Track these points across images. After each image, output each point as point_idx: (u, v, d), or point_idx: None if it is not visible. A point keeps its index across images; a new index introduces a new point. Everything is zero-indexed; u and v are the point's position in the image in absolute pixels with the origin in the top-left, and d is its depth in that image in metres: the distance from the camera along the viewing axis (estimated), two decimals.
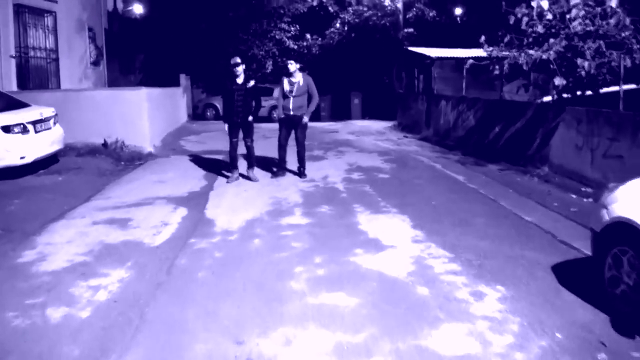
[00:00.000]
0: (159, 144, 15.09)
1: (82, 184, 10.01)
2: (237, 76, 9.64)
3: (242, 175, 10.15)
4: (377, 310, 4.50)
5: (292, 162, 10.48)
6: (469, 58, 16.84)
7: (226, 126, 9.89)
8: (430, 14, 26.62)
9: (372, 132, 18.97)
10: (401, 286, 5.00)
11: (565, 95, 10.17)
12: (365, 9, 27.08)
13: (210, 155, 13.27)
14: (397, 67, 26.28)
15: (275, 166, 11.03)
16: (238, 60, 9.70)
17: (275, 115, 24.53)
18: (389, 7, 26.53)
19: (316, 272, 5.36)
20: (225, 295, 4.86)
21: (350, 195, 8.72)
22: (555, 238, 6.50)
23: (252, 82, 9.82)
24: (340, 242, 6.31)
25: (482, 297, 4.75)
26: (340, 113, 25.90)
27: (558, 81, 9.10)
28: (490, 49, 10.76)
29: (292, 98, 9.91)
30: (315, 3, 27.68)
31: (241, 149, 10.00)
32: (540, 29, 9.32)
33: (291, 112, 9.94)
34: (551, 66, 9.25)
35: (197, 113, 26.31)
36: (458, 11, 29.29)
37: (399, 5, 26.65)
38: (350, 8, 27.62)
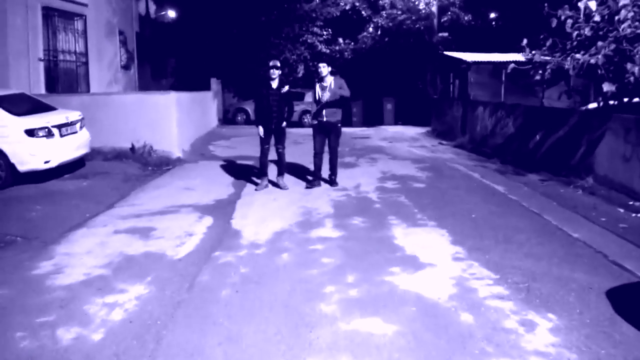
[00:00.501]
0: (188, 148, 14.83)
1: (107, 190, 9.75)
2: (272, 79, 9.31)
3: (271, 182, 9.78)
4: (416, 340, 4.05)
5: (322, 170, 10.06)
6: (507, 62, 16.29)
7: (260, 129, 9.51)
8: (466, 18, 26.07)
9: (405, 139, 18.48)
10: (443, 312, 4.54)
11: (611, 102, 9.59)
12: (399, 12, 26.63)
13: (240, 161, 12.94)
14: (431, 72, 25.76)
15: (307, 174, 10.65)
16: (277, 63, 9.42)
17: (306, 121, 24.45)
18: (423, 11, 26.05)
19: (348, 292, 4.93)
20: (249, 318, 4.46)
21: (385, 206, 8.27)
22: (606, 258, 5.97)
23: (286, 87, 9.47)
24: (375, 258, 5.87)
25: (532, 327, 4.27)
26: (373, 118, 25.45)
27: (607, 87, 8.52)
28: (533, 52, 10.20)
29: (324, 103, 9.51)
30: (348, 7, 27.31)
31: (271, 155, 9.63)
32: (587, 31, 8.74)
33: (324, 119, 9.52)
34: (599, 71, 8.69)
35: (227, 117, 26.12)
36: (492, 15, 28.70)
37: (434, 9, 26.17)
38: (383, 12, 27.18)
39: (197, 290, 5.06)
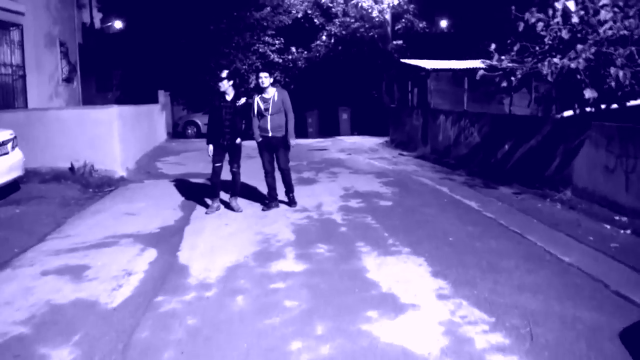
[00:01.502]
0: (133, 166, 13.76)
1: (41, 217, 8.64)
2: (225, 92, 8.40)
3: (223, 202, 8.86)
4: None
5: (278, 188, 9.17)
6: (468, 70, 15.76)
7: (210, 148, 8.60)
8: (420, 25, 25.54)
9: (364, 150, 17.75)
10: None
11: (588, 109, 8.99)
12: (352, 20, 25.98)
13: (189, 179, 11.96)
14: (387, 81, 25.19)
15: (263, 193, 9.78)
16: (223, 74, 8.48)
17: None
18: (377, 19, 25.43)
19: (319, 350, 4.03)
20: None
21: (351, 230, 7.43)
22: (607, 288, 5.23)
23: (242, 100, 8.57)
24: (347, 299, 4.98)
25: None
26: (328, 129, 24.71)
27: (589, 94, 7.86)
28: (502, 58, 9.53)
29: (269, 117, 8.57)
30: (300, 15, 26.52)
31: (225, 174, 8.72)
32: (564, 34, 8.09)
33: (270, 134, 8.62)
34: (578, 76, 8.04)
35: (177, 131, 25.05)
36: (444, 23, 28.36)
37: (388, 16, 25.61)
38: (336, 20, 26.48)
39: (135, 352, 4.10)
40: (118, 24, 29.51)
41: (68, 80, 19.48)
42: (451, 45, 23.71)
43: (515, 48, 9.72)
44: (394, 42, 25.59)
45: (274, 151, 8.77)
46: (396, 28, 25.90)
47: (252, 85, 25.85)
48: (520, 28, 9.33)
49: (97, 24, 31.13)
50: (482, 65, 17.70)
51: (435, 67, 16.35)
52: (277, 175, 8.84)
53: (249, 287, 5.37)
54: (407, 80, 18.21)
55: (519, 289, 5.16)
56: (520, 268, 5.76)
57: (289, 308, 4.82)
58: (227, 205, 8.84)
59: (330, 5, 26.42)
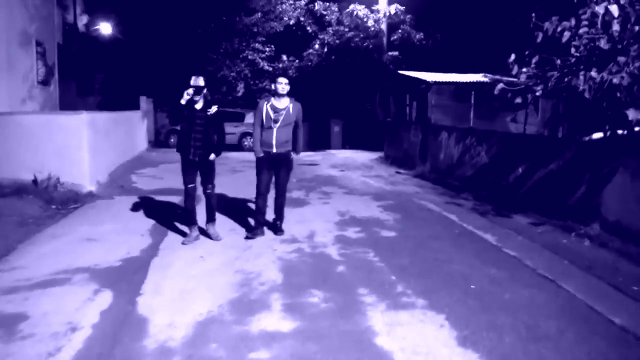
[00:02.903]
0: (106, 179, 12.47)
1: None
2: (194, 101, 7.18)
3: (200, 228, 7.63)
4: None
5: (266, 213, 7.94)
6: (474, 83, 14.67)
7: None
8: (417, 37, 24.47)
9: (357, 166, 16.55)
10: None
11: (620, 132, 7.86)
12: (346, 29, 24.91)
13: (165, 197, 10.70)
14: (381, 93, 24.10)
15: (246, 215, 8.59)
16: (200, 81, 7.14)
17: (246, 144, 22.29)
18: (372, 29, 24.36)
19: None
20: None
21: (351, 269, 6.19)
22: None
23: (214, 108, 7.31)
24: None
25: None
26: (319, 142, 23.54)
27: (633, 114, 6.67)
28: (524, 70, 8.37)
29: (275, 130, 7.36)
30: (292, 22, 25.42)
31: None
32: (603, 44, 6.94)
33: (274, 150, 7.41)
34: (618, 94, 6.89)
35: (159, 140, 23.72)
36: (441, 35, 27.21)
37: (383, 26, 24.56)
38: (330, 28, 25.40)
39: None
40: (106, 28, 28.16)
41: (44, 82, 18.17)
42: (449, 58, 22.61)
43: (534, 60, 8.57)
44: (390, 54, 24.50)
45: (275, 170, 7.59)
46: (392, 39, 24.83)
47: (239, 94, 24.68)
48: (539, 39, 8.19)
49: (81, 26, 29.78)
50: (485, 79, 16.68)
51: (437, 80, 15.20)
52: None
53: (223, 355, 4.13)
54: (405, 93, 17.05)
55: None
56: (567, 334, 4.56)
57: None
58: (204, 232, 7.60)
59: (324, 13, 25.36)
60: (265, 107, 7.41)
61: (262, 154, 7.49)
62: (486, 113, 13.94)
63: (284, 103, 7.39)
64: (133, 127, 18.95)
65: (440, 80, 15.25)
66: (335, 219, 8.78)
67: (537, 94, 8.58)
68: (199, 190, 7.45)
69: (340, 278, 5.91)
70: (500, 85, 8.38)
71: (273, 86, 7.46)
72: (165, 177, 13.35)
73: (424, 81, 15.26)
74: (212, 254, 6.80)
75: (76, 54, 25.20)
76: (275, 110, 7.37)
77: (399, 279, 5.84)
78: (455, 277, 5.96)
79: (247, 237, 7.51)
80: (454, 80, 15.54)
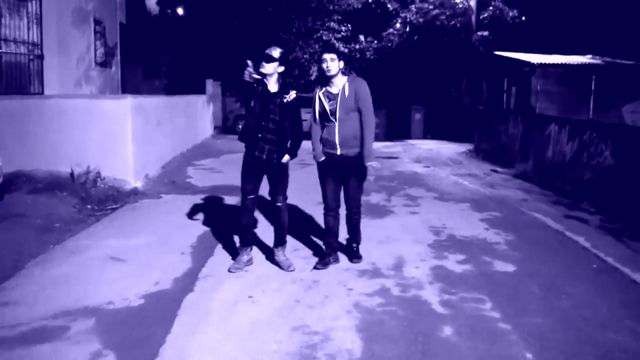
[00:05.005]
0: (157, 172, 10.97)
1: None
2: (265, 79, 5.35)
3: (267, 248, 5.83)
4: None
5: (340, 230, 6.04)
6: (588, 65, 12.32)
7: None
8: (510, 14, 21.85)
9: (444, 161, 14.44)
10: None
11: None
12: (431, 6, 22.59)
13: (224, 196, 9.07)
14: (468, 77, 21.79)
15: (317, 230, 6.77)
16: (276, 52, 5.33)
17: None
18: (460, 5, 21.97)
19: None
20: None
21: (463, 335, 4.14)
22: None
23: (292, 94, 5.46)
24: None
25: None
26: (398, 131, 21.51)
27: None
28: None
29: (336, 124, 5.45)
30: None
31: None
32: None
33: (338, 150, 5.51)
34: None
35: (227, 125, 22.21)
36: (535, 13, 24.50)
37: (472, 3, 22.18)
38: (412, 6, 23.15)
39: None
40: (174, 8, 26.92)
41: (104, 64, 16.92)
42: (547, 38, 20.00)
43: None
44: (479, 33, 22.06)
45: (343, 178, 5.66)
46: (481, 17, 22.34)
47: (313, 78, 22.85)
48: None
49: (149, 4, 28.65)
50: (597, 61, 14.23)
51: (544, 62, 12.85)
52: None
53: None
54: (502, 77, 14.70)
55: None
56: None
57: None
58: (271, 257, 5.80)
59: None
60: (318, 96, 5.56)
61: (323, 157, 5.61)
62: (598, 102, 11.63)
63: (338, 85, 5.48)
64: (195, 113, 17.45)
65: (548, 62, 12.88)
66: (428, 239, 6.78)
67: None
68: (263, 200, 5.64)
69: (448, 352, 3.94)
70: None
71: (323, 65, 5.48)
72: (226, 171, 11.69)
73: (528, 63, 12.91)
74: (265, 292, 4.97)
75: (142, 35, 24.03)
76: (330, 96, 5.50)
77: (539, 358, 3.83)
78: (615, 354, 3.91)
79: (316, 267, 5.63)
80: (564, 62, 13.14)
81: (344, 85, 5.44)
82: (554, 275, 5.53)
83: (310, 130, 5.68)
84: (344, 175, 5.60)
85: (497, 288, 5.14)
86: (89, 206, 8.33)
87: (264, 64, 5.28)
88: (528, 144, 12.51)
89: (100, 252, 6.16)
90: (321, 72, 5.51)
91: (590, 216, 8.29)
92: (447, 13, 22.26)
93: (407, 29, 23.20)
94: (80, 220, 7.63)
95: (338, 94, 5.44)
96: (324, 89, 5.54)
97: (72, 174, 9.16)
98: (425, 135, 21.85)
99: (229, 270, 5.50)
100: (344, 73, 5.55)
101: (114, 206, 8.45)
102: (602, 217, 8.24)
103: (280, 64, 5.34)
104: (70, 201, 8.33)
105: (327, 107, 5.46)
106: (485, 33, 22.01)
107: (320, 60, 5.48)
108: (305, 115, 5.61)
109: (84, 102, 9.77)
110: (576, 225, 7.72)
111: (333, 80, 5.46)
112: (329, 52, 5.44)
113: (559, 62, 13.02)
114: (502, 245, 6.54)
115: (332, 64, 5.38)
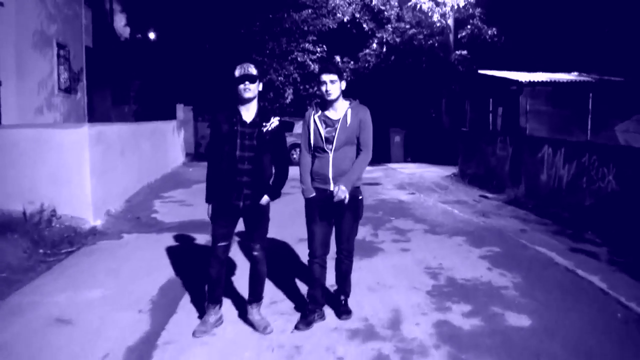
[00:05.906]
0: (121, 207, 10.04)
1: None
2: (244, 102, 4.50)
3: (238, 304, 4.93)
4: None
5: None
6: (579, 83, 11.69)
7: (209, 209, 4.70)
8: (489, 33, 21.30)
9: (429, 187, 13.66)
10: None
11: None
12: (407, 26, 22.03)
13: (191, 234, 8.15)
14: (448, 98, 21.19)
15: (299, 275, 5.92)
16: (252, 69, 4.47)
17: (295, 157, 19.60)
18: (437, 24, 21.38)
19: None
20: None
21: None
22: None
23: (274, 121, 4.59)
24: None
25: None
26: (377, 154, 20.29)
27: None
28: None
29: (331, 155, 4.61)
30: (346, 19, 22.59)
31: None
32: None
33: (330, 186, 4.63)
34: None
35: (199, 152, 21.28)
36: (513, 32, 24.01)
37: (450, 21, 21.62)
38: (389, 26, 22.59)
39: None
40: (145, 32, 26.05)
41: (68, 90, 15.97)
42: (530, 56, 19.44)
43: None
44: (457, 52, 21.52)
45: (335, 217, 4.78)
46: (460, 36, 21.80)
47: (288, 101, 22.06)
48: None
49: (119, 30, 27.76)
50: (587, 79, 13.64)
51: (532, 80, 12.18)
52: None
53: None
54: (486, 97, 14.02)
55: None
56: None
57: None
58: (244, 315, 4.89)
59: (382, 8, 22.54)
60: (313, 119, 4.69)
61: (313, 194, 4.73)
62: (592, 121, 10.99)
63: (339, 110, 4.64)
64: (165, 139, 16.50)
65: (536, 80, 12.21)
66: (425, 284, 5.92)
67: None
68: (234, 249, 4.74)
69: None
70: None
71: (322, 88, 4.63)
72: (197, 204, 10.69)
73: (515, 81, 12.24)
74: None
75: (111, 59, 23.12)
76: (327, 122, 4.64)
77: None
78: None
79: (297, 328, 4.71)
80: (554, 79, 12.48)
81: (347, 111, 4.62)
82: (578, 331, 4.69)
83: (299, 159, 4.82)
84: (336, 214, 4.72)
85: (516, 351, 4.28)
86: (41, 250, 7.40)
87: (247, 85, 4.41)
88: (519, 167, 11.79)
89: (46, 311, 5.22)
90: (323, 93, 4.62)
91: (597, 248, 7.52)
92: (425, 32, 21.74)
93: (384, 49, 22.61)
94: (29, 269, 6.72)
95: (339, 120, 4.60)
96: (320, 111, 4.69)
97: (24, 213, 8.20)
98: (405, 159, 21.15)
99: (194, 335, 4.58)
100: (345, 96, 4.70)
101: (69, 249, 7.53)
102: (609, 248, 7.48)
103: (255, 81, 4.50)
104: (21, 245, 7.40)
105: (323, 134, 4.60)
106: (464, 52, 21.47)
107: (319, 83, 4.62)
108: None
109: (36, 132, 8.83)
110: (585, 260, 6.93)
111: (333, 104, 4.63)
112: (328, 72, 4.58)
113: (548, 80, 12.37)
114: (511, 290, 5.71)
115: (333, 86, 4.54)
